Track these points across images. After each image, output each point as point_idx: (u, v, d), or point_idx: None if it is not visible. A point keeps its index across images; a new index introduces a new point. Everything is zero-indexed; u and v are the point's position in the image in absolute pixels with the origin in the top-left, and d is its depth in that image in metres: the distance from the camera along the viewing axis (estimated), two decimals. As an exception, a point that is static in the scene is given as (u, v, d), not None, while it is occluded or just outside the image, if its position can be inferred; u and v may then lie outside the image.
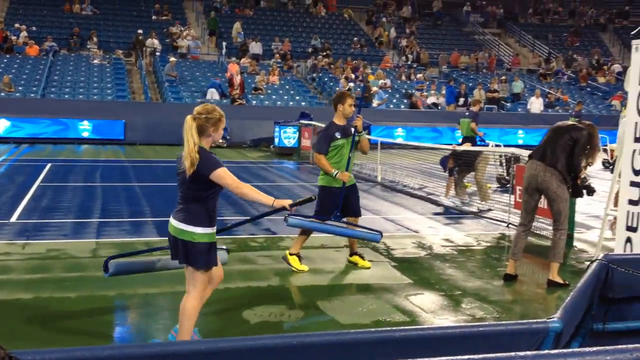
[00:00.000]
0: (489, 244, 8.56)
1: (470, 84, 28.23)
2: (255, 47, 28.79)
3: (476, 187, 11.74)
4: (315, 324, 5.34)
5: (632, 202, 6.01)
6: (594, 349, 1.74)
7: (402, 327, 2.23)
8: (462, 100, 26.06)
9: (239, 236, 8.52)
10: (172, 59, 25.24)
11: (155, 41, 27.57)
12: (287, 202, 4.44)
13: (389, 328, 2.26)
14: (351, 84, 25.21)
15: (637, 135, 5.99)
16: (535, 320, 2.48)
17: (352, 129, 6.86)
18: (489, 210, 10.81)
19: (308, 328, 5.18)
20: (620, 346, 1.74)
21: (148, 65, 27.19)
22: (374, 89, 24.95)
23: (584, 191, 6.79)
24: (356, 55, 30.30)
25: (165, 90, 24.28)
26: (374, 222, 9.81)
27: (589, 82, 31.09)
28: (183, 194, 4.31)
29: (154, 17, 30.81)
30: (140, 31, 27.90)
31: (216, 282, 4.66)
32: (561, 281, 6.48)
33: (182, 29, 29.32)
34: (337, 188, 6.87)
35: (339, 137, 6.84)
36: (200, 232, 4.24)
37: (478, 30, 36.45)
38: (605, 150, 17.69)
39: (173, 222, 4.33)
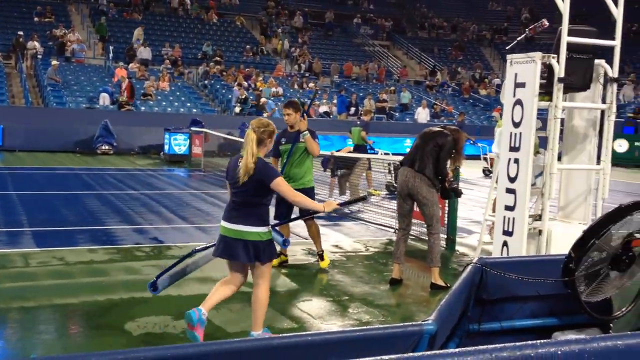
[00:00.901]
0: (376, 250, 8.73)
1: (361, 94, 28.83)
2: (144, 52, 28.05)
3: (349, 188, 12.21)
4: (201, 334, 5.22)
5: (508, 208, 6.31)
6: (450, 351, 1.81)
7: (280, 335, 2.21)
8: (353, 109, 26.56)
9: (124, 245, 8.23)
10: (54, 62, 24.13)
11: (37, 44, 26.26)
12: (335, 204, 5.07)
13: (268, 336, 2.23)
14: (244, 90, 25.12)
15: (512, 145, 6.30)
16: (410, 323, 2.53)
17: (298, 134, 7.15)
18: (359, 211, 11.17)
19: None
20: (480, 347, 1.81)
21: (29, 69, 25.85)
22: (263, 100, 24.91)
23: (452, 193, 7.12)
24: (248, 63, 30.21)
25: (47, 94, 23.17)
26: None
27: (472, 94, 32.58)
28: (242, 200, 4.74)
29: (36, 19, 29.36)
30: (20, 33, 26.49)
31: (240, 283, 5.02)
32: (443, 284, 6.72)
33: (67, 31, 28.11)
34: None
35: (284, 142, 7.26)
36: (265, 231, 4.75)
37: (368, 42, 37.34)
38: (485, 159, 18.58)
39: (235, 226, 4.72)
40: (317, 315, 5.81)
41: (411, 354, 1.83)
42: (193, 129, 19.12)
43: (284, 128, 7.33)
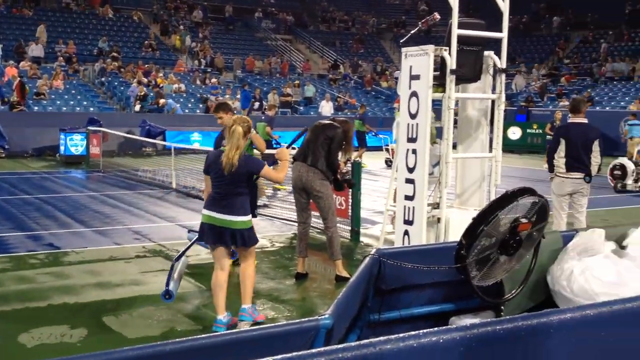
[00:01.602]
0: (282, 245, 8.71)
1: (265, 88, 28.71)
2: (36, 50, 26.76)
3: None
4: (98, 342, 5.03)
5: (407, 198, 6.45)
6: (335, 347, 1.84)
7: (173, 340, 2.13)
8: (257, 104, 26.39)
9: (16, 254, 7.82)
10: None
11: None
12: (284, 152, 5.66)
13: (156, 343, 2.15)
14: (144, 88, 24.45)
15: (410, 136, 6.43)
16: (306, 319, 2.51)
17: None
18: (265, 206, 11.12)
19: (90, 347, 4.86)
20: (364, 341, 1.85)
21: None
22: (162, 101, 24.28)
23: (345, 185, 7.24)
24: (148, 59, 29.41)
25: None
26: (168, 229, 9.56)
27: (374, 86, 33.14)
28: (227, 191, 5.14)
29: None
30: None
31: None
32: (347, 275, 6.78)
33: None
34: None
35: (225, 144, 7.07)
36: (248, 219, 5.23)
37: (270, 36, 37.23)
38: (387, 150, 18.97)
39: (223, 216, 5.14)
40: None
41: (298, 352, 1.81)
42: (90, 128, 18.40)
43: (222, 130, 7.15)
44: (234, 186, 5.15)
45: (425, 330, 1.94)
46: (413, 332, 1.93)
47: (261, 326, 4.87)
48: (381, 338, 1.88)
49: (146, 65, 27.92)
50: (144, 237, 8.92)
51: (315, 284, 6.81)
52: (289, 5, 41.85)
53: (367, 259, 3.24)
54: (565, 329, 2.21)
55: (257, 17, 38.51)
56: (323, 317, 2.47)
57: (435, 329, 1.98)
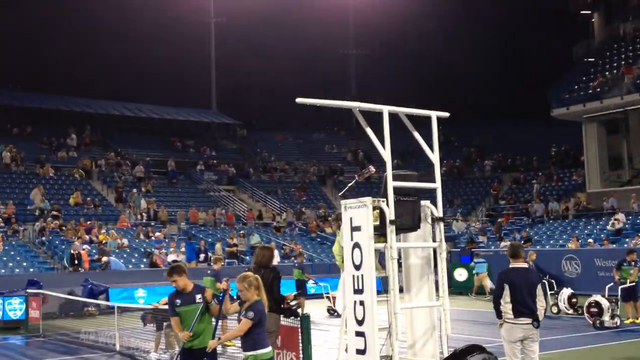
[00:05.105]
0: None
1: (210, 239, 28.70)
2: (-26, 212, 26.35)
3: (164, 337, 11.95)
4: None
5: (359, 352, 6.40)
6: None
7: None
8: (202, 256, 26.27)
9: None
10: None
11: None
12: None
13: None
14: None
15: (356, 288, 6.54)
16: None
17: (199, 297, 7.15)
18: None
19: None
20: None
21: None
22: (104, 259, 23.93)
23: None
24: (90, 215, 29.25)
25: None
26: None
27: (318, 232, 33.52)
28: None
29: None
30: None
31: None
32: None
33: None
34: (184, 349, 7.18)
35: (179, 304, 7.13)
36: None
37: (213, 187, 37.78)
38: (328, 298, 18.96)
39: None
40: None
41: None
42: (29, 290, 17.82)
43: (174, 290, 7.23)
44: None
45: None
46: None
47: None
48: None
49: (88, 222, 27.70)
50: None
51: None
52: (230, 157, 42.95)
53: None
54: None
55: (199, 169, 39.26)
56: None
57: None
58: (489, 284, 23.00)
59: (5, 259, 23.49)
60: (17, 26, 43.34)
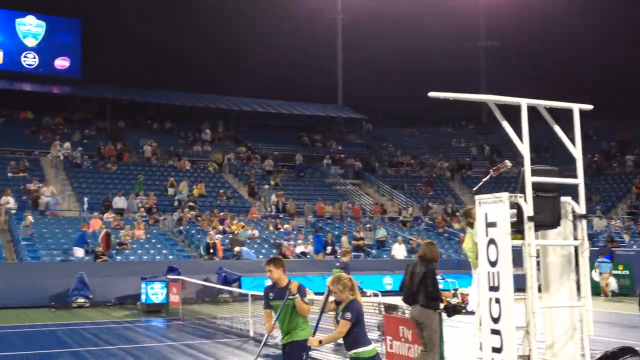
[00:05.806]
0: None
1: (336, 232, 29.11)
2: (119, 202, 28.31)
3: None
4: None
5: (495, 350, 6.27)
6: None
7: None
8: (329, 248, 26.72)
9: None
10: (29, 216, 24.18)
11: (10, 198, 26.44)
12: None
13: None
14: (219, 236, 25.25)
15: (491, 285, 6.39)
16: None
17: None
18: None
19: None
20: None
21: (3, 224, 25.81)
22: (236, 249, 24.93)
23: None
24: (222, 207, 30.57)
25: (21, 249, 22.99)
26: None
27: (446, 228, 33.06)
28: None
29: (9, 174, 29.71)
30: (-6, 189, 26.73)
31: None
32: None
33: (40, 185, 28.40)
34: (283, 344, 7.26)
35: (272, 297, 7.18)
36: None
37: (339, 182, 38.26)
38: (455, 295, 18.51)
39: None
40: None
41: None
42: (170, 276, 18.95)
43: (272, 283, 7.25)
44: None
45: None
46: None
47: None
48: None
49: (221, 214, 28.97)
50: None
51: None
52: (356, 152, 43.28)
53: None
54: None
55: (325, 163, 39.87)
56: None
57: None
58: (612, 285, 22.34)
59: (147, 246, 25.08)
60: (171, 34, 46.01)
